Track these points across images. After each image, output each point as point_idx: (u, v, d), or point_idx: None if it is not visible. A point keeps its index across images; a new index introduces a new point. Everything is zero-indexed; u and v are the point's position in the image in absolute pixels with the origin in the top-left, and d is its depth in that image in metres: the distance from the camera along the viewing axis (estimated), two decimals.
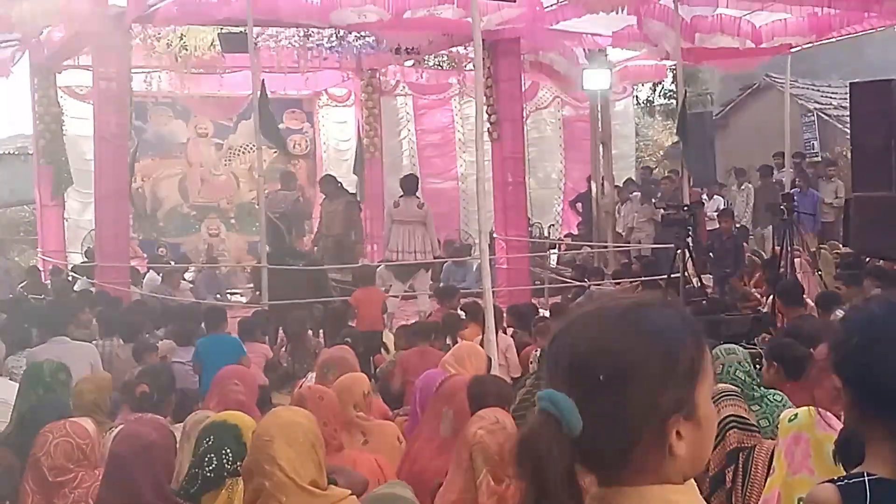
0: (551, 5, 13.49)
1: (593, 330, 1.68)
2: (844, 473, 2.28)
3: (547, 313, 13.32)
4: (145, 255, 18.00)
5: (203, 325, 10.13)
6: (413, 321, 11.22)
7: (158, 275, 14.94)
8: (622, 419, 1.63)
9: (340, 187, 15.43)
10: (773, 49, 14.44)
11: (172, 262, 16.38)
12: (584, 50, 17.01)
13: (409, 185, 13.84)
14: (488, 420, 4.61)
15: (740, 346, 8.58)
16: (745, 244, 15.14)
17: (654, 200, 16.98)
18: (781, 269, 12.33)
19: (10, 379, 7.01)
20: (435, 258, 13.85)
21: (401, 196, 13.77)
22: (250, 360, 9.35)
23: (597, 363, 1.64)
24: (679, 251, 11.69)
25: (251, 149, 16.95)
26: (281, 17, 14.22)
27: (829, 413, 3.67)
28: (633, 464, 1.65)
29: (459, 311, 10.78)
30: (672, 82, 27.61)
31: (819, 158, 20.09)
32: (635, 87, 23.89)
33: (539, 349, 7.77)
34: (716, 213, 16.17)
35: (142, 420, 4.49)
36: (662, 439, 1.65)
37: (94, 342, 9.31)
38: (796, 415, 4.17)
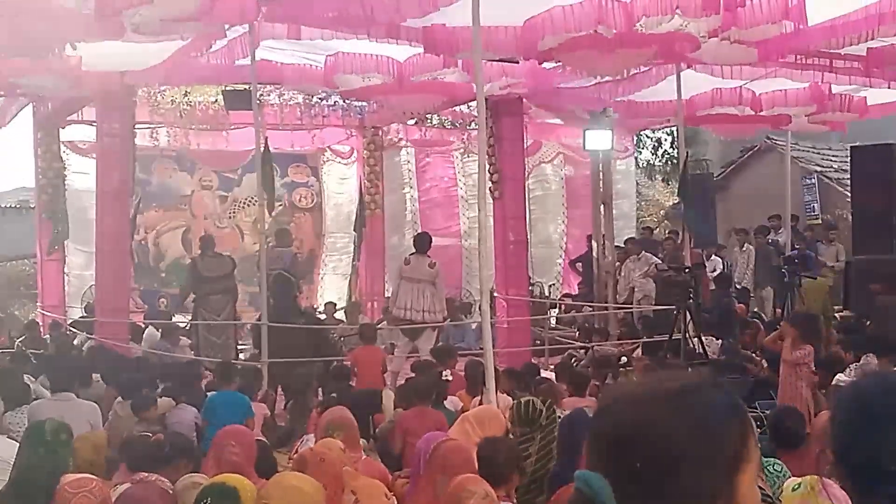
0: (554, 65, 13.56)
1: (637, 412, 1.66)
2: None
3: (547, 373, 13.31)
4: (146, 306, 17.99)
5: (203, 382, 10.13)
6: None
7: (158, 330, 14.89)
8: None
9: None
10: (773, 118, 14.51)
11: (172, 314, 16.34)
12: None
13: (422, 243, 13.80)
14: (479, 495, 4.58)
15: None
16: (740, 306, 15.15)
17: (651, 259, 16.95)
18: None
19: (9, 436, 6.95)
20: (444, 319, 13.76)
21: (412, 254, 13.75)
22: (255, 422, 9.34)
23: (637, 447, 1.62)
24: (680, 312, 11.68)
25: (256, 202, 17.02)
26: (285, 82, 14.35)
27: (831, 482, 3.64)
28: None
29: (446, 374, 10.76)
30: (672, 145, 27.81)
31: (819, 221, 20.15)
32: (637, 148, 24.03)
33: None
34: (712, 274, 16.19)
35: (144, 484, 4.47)
36: None
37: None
38: (800, 484, 4.15)
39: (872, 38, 10.37)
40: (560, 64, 12.85)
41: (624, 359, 12.94)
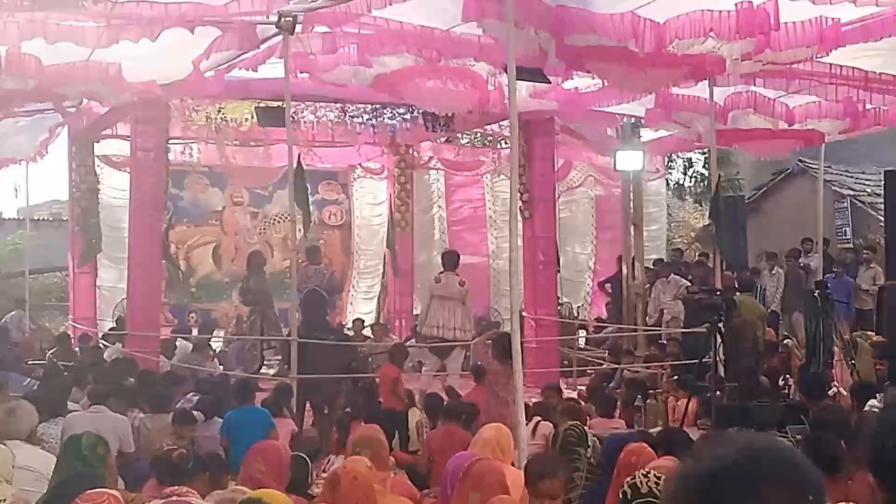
0: (588, 87, 13.56)
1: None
2: None
3: (573, 394, 13.28)
4: (175, 320, 18.05)
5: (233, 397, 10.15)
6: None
7: (190, 343, 14.98)
8: None
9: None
10: (807, 134, 14.34)
11: (198, 329, 16.44)
12: (616, 129, 17.03)
13: (450, 260, 13.80)
14: None
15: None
16: (769, 331, 15.11)
17: (681, 282, 16.85)
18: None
19: (42, 447, 7.00)
20: (472, 338, 13.74)
21: (441, 272, 13.74)
22: (278, 432, 9.36)
23: None
24: (711, 337, 11.58)
25: (286, 218, 17.08)
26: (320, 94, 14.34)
27: None
28: None
29: None
30: (704, 165, 27.69)
31: (851, 245, 20.02)
32: (668, 169, 23.94)
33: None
34: None
35: (173, 500, 4.49)
36: None
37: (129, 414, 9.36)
38: None
39: None
40: (592, 85, 12.87)
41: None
